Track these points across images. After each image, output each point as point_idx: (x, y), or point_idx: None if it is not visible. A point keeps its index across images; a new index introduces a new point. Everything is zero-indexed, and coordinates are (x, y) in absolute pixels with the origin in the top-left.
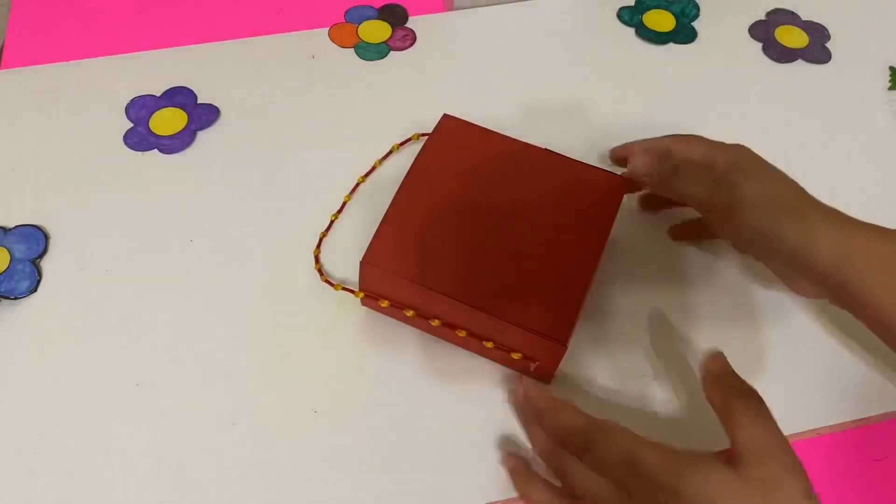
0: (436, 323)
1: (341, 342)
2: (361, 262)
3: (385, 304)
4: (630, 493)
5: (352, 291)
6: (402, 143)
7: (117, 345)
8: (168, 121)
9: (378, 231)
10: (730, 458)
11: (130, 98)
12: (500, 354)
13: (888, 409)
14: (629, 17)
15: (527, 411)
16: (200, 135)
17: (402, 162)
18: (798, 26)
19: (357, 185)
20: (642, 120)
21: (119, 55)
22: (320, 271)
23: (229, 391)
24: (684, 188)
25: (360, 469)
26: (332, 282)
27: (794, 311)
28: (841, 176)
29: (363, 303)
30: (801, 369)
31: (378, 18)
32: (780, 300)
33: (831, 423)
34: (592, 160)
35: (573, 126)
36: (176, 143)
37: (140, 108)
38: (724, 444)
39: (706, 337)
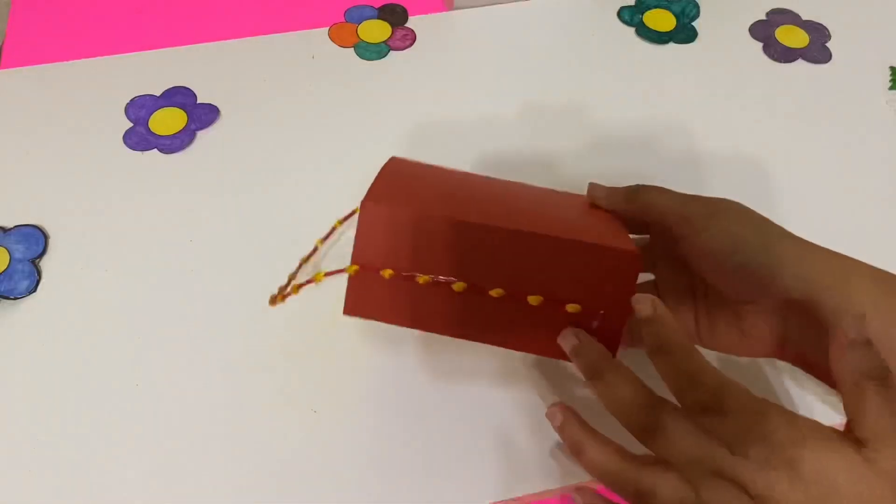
0: (459, 287)
1: (341, 342)
2: (362, 204)
3: (388, 273)
4: (735, 459)
5: (341, 272)
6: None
7: (117, 345)
8: (168, 120)
9: (381, 171)
10: (852, 441)
11: (130, 98)
12: (548, 316)
13: None
14: (629, 16)
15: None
16: (200, 134)
17: None
18: (798, 26)
19: (331, 231)
20: (642, 120)
21: (119, 55)
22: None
23: (229, 391)
24: (654, 197)
25: (360, 469)
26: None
27: None
28: (841, 176)
29: (352, 290)
30: None
31: (378, 18)
32: None
33: None
34: (593, 160)
35: (573, 126)
36: (175, 143)
37: (140, 108)
38: None
39: None
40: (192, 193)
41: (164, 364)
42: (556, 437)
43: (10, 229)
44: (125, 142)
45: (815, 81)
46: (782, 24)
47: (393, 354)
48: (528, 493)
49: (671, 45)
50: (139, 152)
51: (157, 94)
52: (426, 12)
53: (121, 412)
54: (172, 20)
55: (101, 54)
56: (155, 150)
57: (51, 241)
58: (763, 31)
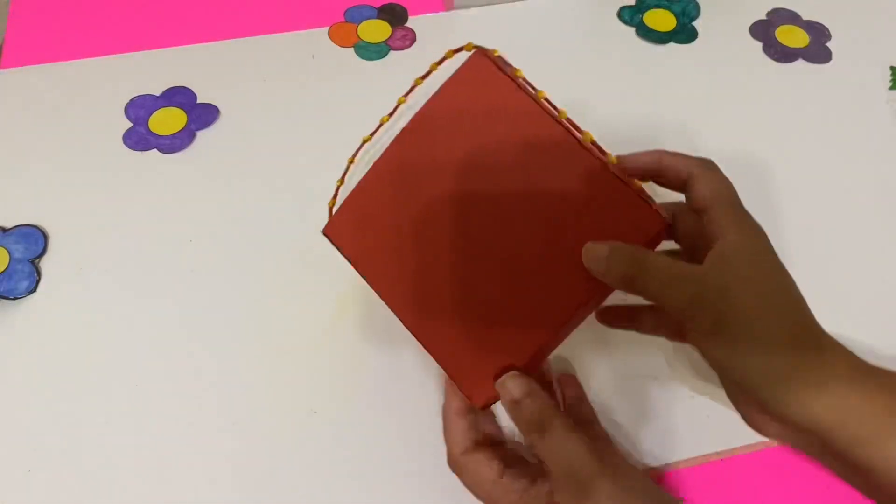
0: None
1: (341, 342)
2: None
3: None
4: None
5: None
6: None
7: (116, 345)
8: (167, 120)
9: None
10: None
11: (130, 98)
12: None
13: None
14: (629, 16)
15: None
16: (200, 134)
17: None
18: (798, 26)
19: (362, 144)
20: (643, 120)
21: (118, 55)
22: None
23: (229, 391)
24: (658, 293)
25: (360, 469)
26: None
27: None
28: (841, 176)
29: (342, 214)
30: None
31: (378, 18)
32: None
33: None
34: None
35: None
36: (175, 143)
37: (139, 108)
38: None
39: None
40: (192, 193)
41: (163, 364)
42: None
43: (10, 229)
44: (125, 142)
45: (815, 81)
46: (782, 24)
47: (393, 354)
48: None
49: (671, 45)
50: (139, 152)
51: (157, 93)
52: (426, 12)
53: (120, 412)
54: (172, 20)
55: (101, 54)
56: (155, 150)
57: (51, 241)
58: (763, 31)
